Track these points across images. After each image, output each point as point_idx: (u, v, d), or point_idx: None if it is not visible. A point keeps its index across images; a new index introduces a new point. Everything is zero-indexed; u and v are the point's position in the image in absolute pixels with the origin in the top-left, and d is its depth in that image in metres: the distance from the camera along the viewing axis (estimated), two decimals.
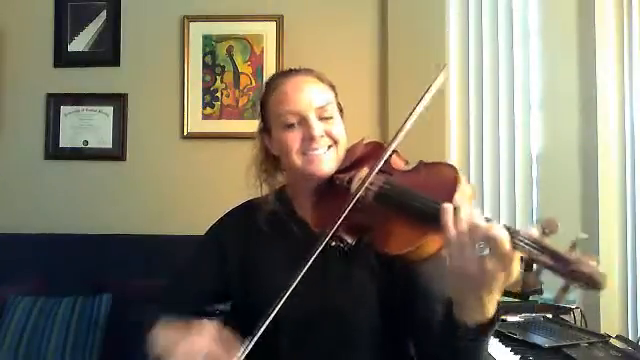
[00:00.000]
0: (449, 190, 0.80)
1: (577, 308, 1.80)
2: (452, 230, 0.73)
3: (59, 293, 2.16)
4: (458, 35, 2.38)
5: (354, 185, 0.94)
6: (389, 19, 2.43)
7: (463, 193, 0.80)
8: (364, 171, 0.94)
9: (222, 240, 1.14)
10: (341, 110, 1.10)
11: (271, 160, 1.12)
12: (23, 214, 2.52)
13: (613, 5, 2.03)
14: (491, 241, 0.70)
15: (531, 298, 1.81)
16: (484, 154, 2.29)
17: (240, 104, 2.54)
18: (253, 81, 2.53)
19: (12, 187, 2.56)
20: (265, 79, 1.14)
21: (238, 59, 2.54)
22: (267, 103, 1.08)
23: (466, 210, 0.74)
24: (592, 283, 0.63)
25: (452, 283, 0.77)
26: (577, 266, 0.64)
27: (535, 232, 0.70)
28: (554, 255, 0.67)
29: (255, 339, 0.83)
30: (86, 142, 2.57)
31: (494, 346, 1.50)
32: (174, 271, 1.19)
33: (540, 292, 1.87)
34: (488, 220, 0.74)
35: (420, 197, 0.82)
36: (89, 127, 2.57)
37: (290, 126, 1.01)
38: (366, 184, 0.90)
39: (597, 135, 2.01)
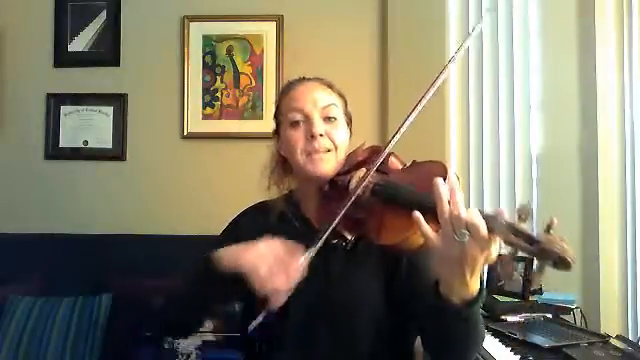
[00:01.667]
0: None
1: (577, 308, 1.80)
2: (444, 199, 0.79)
3: (59, 293, 2.16)
4: (458, 35, 2.38)
5: (352, 183, 1.01)
6: (389, 19, 2.43)
7: (449, 185, 0.85)
8: (362, 171, 1.01)
9: (237, 239, 1.17)
10: (350, 121, 1.17)
11: (281, 164, 1.19)
12: (23, 214, 2.52)
13: (613, 5, 2.03)
14: (471, 228, 0.77)
15: (531, 298, 1.82)
16: (484, 154, 2.29)
17: (240, 104, 2.54)
18: (253, 81, 2.54)
19: (12, 187, 2.56)
20: (282, 86, 1.24)
21: (238, 59, 2.55)
22: (280, 105, 1.16)
23: (446, 203, 0.80)
24: (562, 262, 0.71)
25: (437, 266, 0.84)
26: (548, 246, 0.71)
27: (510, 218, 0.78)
28: (527, 237, 0.74)
29: (318, 245, 0.90)
30: (86, 142, 2.57)
31: (494, 346, 1.51)
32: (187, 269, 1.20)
33: (540, 292, 1.87)
34: (467, 208, 0.80)
35: (408, 189, 0.90)
36: (89, 127, 2.57)
37: (295, 124, 1.09)
38: (364, 182, 0.95)
39: (597, 135, 2.01)
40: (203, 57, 2.55)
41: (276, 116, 1.19)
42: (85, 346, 2.05)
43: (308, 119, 1.08)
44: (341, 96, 1.17)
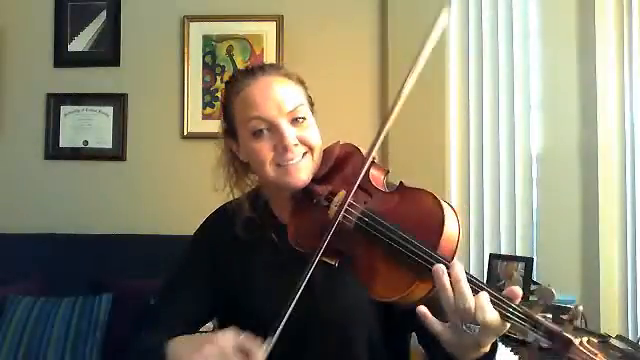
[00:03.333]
0: (435, 232, 0.76)
1: None
2: (448, 289, 0.71)
3: (59, 293, 2.16)
4: (458, 35, 2.38)
5: (332, 207, 0.87)
6: (389, 19, 2.43)
7: (449, 237, 0.76)
8: (342, 194, 0.87)
9: (204, 255, 1.09)
10: (312, 104, 1.01)
11: (239, 162, 1.04)
12: (23, 214, 2.52)
13: (613, 5, 2.03)
14: (482, 323, 0.70)
15: (531, 298, 1.81)
16: (484, 154, 2.29)
17: None
18: None
19: (12, 187, 2.56)
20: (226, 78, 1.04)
21: (238, 59, 2.54)
22: (231, 106, 0.98)
23: (450, 294, 0.71)
24: None
25: (446, 346, 0.76)
26: (574, 350, 0.65)
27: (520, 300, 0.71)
28: (548, 331, 0.68)
29: (275, 338, 0.80)
30: (86, 142, 2.57)
31: None
32: (162, 290, 1.13)
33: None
34: (474, 284, 0.72)
35: (399, 237, 0.77)
36: (89, 127, 2.57)
37: (258, 133, 0.92)
38: (344, 209, 0.84)
39: (597, 135, 2.02)
40: (203, 57, 2.55)
41: (226, 118, 1.01)
42: (85, 346, 2.05)
43: (275, 128, 0.91)
44: (301, 82, 0.99)
